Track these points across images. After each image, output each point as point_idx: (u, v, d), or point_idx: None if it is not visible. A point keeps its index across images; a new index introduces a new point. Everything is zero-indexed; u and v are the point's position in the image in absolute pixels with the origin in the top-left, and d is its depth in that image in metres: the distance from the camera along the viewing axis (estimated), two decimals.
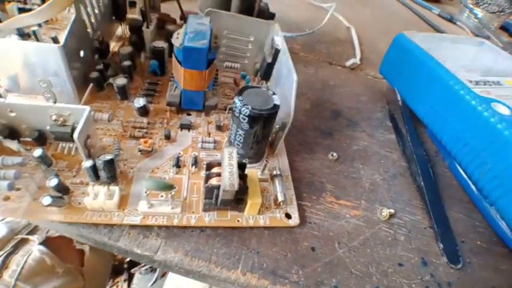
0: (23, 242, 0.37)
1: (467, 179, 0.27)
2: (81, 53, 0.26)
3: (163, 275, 0.77)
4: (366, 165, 0.27)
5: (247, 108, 0.20)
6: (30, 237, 0.37)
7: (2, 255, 0.35)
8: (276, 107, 0.21)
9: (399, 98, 0.33)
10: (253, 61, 0.31)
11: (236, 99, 0.21)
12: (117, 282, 0.74)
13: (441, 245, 0.23)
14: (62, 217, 0.19)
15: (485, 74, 0.30)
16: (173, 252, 0.19)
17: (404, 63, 0.33)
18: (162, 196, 0.21)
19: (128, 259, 0.76)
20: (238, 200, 0.20)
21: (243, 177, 0.20)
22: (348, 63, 0.38)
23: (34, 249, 0.36)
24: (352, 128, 0.30)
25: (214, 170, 0.20)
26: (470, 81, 0.28)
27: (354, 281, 0.20)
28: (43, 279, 0.35)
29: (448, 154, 0.29)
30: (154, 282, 0.75)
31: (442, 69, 0.29)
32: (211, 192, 0.19)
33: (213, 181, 0.19)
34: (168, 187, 0.20)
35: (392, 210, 0.24)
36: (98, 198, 0.20)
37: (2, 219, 0.38)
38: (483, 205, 0.26)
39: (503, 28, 0.58)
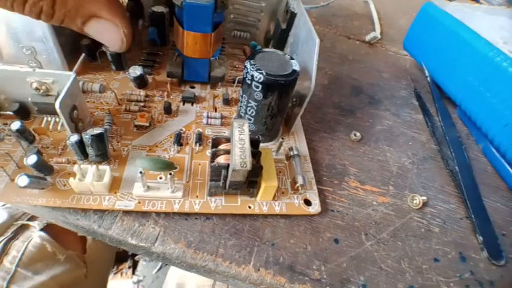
0: (24, 228, 0.35)
1: (506, 164, 0.24)
2: None
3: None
4: (393, 147, 0.24)
5: (261, 73, 0.17)
6: (30, 223, 0.35)
7: (2, 241, 0.33)
8: (295, 73, 0.18)
9: (427, 75, 0.29)
10: (264, 30, 0.28)
11: (247, 64, 0.18)
12: (122, 269, 0.73)
13: (480, 238, 0.20)
14: (43, 201, 0.17)
15: None
16: (173, 243, 0.16)
17: (433, 35, 0.29)
18: (161, 178, 0.18)
19: None
20: (251, 182, 0.17)
21: (256, 155, 0.17)
22: (368, 37, 0.35)
23: (34, 236, 0.34)
24: (375, 106, 0.27)
25: (222, 146, 0.17)
26: None
27: (384, 278, 0.17)
28: (44, 265, 0.34)
29: (483, 136, 0.26)
30: (159, 269, 0.74)
31: (479, 40, 0.25)
32: (218, 172, 0.16)
33: (221, 160, 0.16)
34: (167, 166, 0.17)
35: (425, 198, 0.21)
36: (86, 178, 0.17)
37: (3, 205, 0.36)
38: None
39: None
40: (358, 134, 0.24)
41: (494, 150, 0.25)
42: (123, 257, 0.74)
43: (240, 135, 0.16)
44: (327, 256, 0.17)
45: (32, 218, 0.36)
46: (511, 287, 0.18)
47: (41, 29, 0.21)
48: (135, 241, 0.16)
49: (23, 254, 0.33)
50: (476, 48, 0.25)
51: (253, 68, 0.17)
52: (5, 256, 0.32)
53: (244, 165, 0.15)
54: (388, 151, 0.24)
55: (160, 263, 0.75)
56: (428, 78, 0.29)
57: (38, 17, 0.15)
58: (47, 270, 0.33)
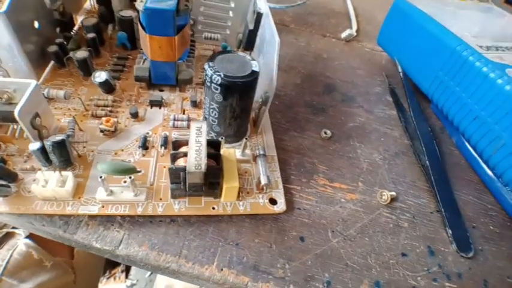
0: (9, 236, 0.35)
1: (478, 157, 0.24)
2: (36, 24, 0.23)
3: None
4: (364, 143, 0.24)
5: (219, 75, 0.17)
6: (16, 230, 0.35)
7: None
8: (254, 74, 0.18)
9: (400, 70, 0.30)
10: (235, 31, 0.28)
11: (206, 66, 0.18)
12: (114, 273, 0.73)
13: (450, 231, 0.20)
14: (7, 208, 0.17)
15: (496, 40, 0.27)
16: (137, 246, 0.16)
17: (405, 30, 0.29)
18: (125, 182, 0.18)
19: None
20: (211, 184, 0.17)
21: (216, 157, 0.17)
22: (343, 34, 0.35)
23: (20, 243, 0.34)
24: (348, 104, 0.27)
25: (183, 149, 0.17)
26: (481, 47, 0.24)
27: (350, 274, 0.17)
28: (30, 273, 0.33)
29: (455, 130, 0.26)
30: (152, 272, 0.74)
31: (447, 34, 0.25)
32: (177, 175, 0.16)
33: (180, 162, 0.16)
34: (128, 170, 0.17)
35: (393, 193, 0.21)
36: (48, 185, 0.17)
37: None
38: (495, 186, 0.23)
39: (508, 2, 0.54)
40: (328, 131, 0.24)
41: (466, 144, 0.25)
42: (115, 262, 0.74)
43: (197, 137, 0.16)
44: (291, 254, 0.17)
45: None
46: (479, 278, 0.19)
47: (5, 37, 0.21)
48: (99, 245, 0.16)
49: (7, 262, 0.32)
50: (444, 42, 0.25)
51: (211, 70, 0.17)
52: None
53: (199, 167, 0.15)
54: (359, 148, 0.24)
55: None
56: (401, 74, 0.29)
57: None
58: (34, 277, 0.33)
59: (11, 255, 0.33)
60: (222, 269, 0.16)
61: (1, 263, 0.32)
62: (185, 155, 0.16)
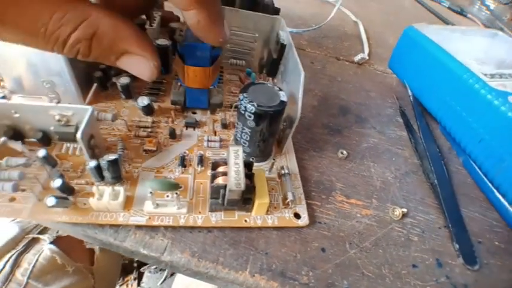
0: (34, 241, 0.37)
1: (483, 177, 0.26)
2: None
3: (172, 274, 0.77)
4: (377, 163, 0.26)
5: (253, 105, 0.20)
6: (41, 236, 0.37)
7: (14, 253, 0.35)
8: (282, 104, 0.20)
9: (410, 93, 0.32)
10: (258, 57, 0.31)
11: (241, 96, 0.20)
12: (127, 280, 0.75)
13: (457, 246, 0.22)
14: (67, 218, 0.19)
15: (500, 67, 0.29)
16: (180, 253, 0.18)
17: (414, 56, 0.32)
18: (168, 196, 0.20)
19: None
20: (246, 199, 0.19)
21: (250, 176, 0.19)
22: (356, 58, 0.37)
23: (45, 248, 0.36)
24: (362, 125, 0.30)
25: (220, 169, 0.20)
26: (485, 75, 0.26)
27: (366, 282, 0.19)
28: (54, 277, 0.35)
29: (463, 151, 0.28)
30: (164, 281, 0.76)
31: (454, 62, 0.28)
32: (217, 192, 0.19)
33: (219, 180, 0.19)
34: (173, 186, 0.19)
35: (405, 210, 0.23)
36: (103, 198, 0.19)
37: (14, 220, 0.38)
38: (500, 204, 0.25)
39: None
40: (344, 152, 0.26)
41: (472, 163, 0.27)
42: (128, 269, 0.76)
43: (235, 159, 0.18)
44: (314, 263, 0.19)
45: (42, 232, 0.38)
46: None
47: (58, 64, 0.24)
48: (146, 251, 0.18)
49: (34, 266, 0.34)
50: (451, 70, 0.28)
51: (246, 100, 0.20)
52: (17, 268, 0.34)
53: (239, 186, 0.17)
54: (372, 167, 0.26)
55: (165, 275, 0.77)
56: (411, 97, 0.31)
57: (75, 56, 0.16)
58: (57, 282, 0.35)
59: (36, 260, 0.35)
60: (254, 275, 0.18)
61: (28, 266, 0.34)
62: (223, 174, 0.19)
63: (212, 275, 0.18)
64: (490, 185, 0.26)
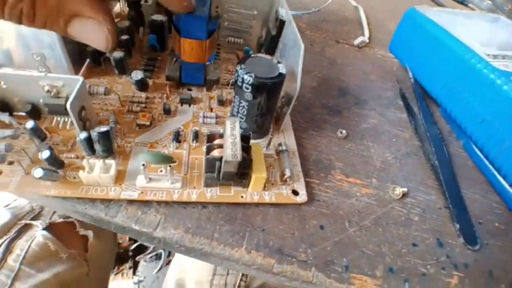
0: (27, 227, 0.36)
1: (484, 159, 0.26)
2: None
3: (168, 263, 0.77)
4: (377, 143, 0.26)
5: (251, 76, 0.19)
6: (33, 222, 0.36)
7: (6, 240, 0.34)
8: (281, 76, 0.20)
9: (411, 76, 0.31)
10: (257, 36, 0.30)
11: (238, 68, 0.19)
12: (122, 269, 0.75)
13: (457, 226, 0.22)
14: (55, 192, 0.18)
15: (503, 49, 0.28)
16: (173, 229, 0.18)
17: (416, 39, 0.31)
18: (161, 171, 0.20)
19: (133, 247, 0.76)
20: (242, 174, 0.18)
21: (246, 149, 0.18)
22: (356, 41, 0.37)
23: (37, 235, 0.35)
24: (361, 106, 0.29)
25: (216, 141, 0.19)
26: (488, 55, 0.26)
27: (365, 260, 0.19)
28: (47, 264, 0.34)
29: (463, 133, 0.27)
30: (159, 270, 0.75)
31: (456, 43, 0.27)
32: (212, 164, 0.18)
33: (215, 153, 0.18)
34: (166, 159, 0.19)
35: (405, 189, 0.23)
36: (94, 171, 0.18)
37: (6, 205, 0.37)
38: (501, 186, 0.24)
39: None
40: (344, 131, 0.25)
41: (473, 146, 0.27)
42: (124, 258, 0.76)
43: (232, 131, 0.18)
44: (312, 241, 0.19)
45: (35, 218, 0.37)
46: (484, 269, 0.20)
47: (49, 36, 0.23)
48: (138, 227, 0.17)
49: (26, 252, 0.33)
50: (453, 51, 0.27)
51: (243, 71, 0.19)
52: (9, 255, 0.33)
53: (235, 157, 0.16)
54: (372, 147, 0.25)
55: (160, 264, 0.76)
56: (412, 80, 0.31)
57: (20, 21, 0.14)
58: (50, 268, 0.34)
59: (29, 246, 0.34)
60: (250, 252, 0.17)
61: (20, 253, 0.33)
62: (219, 146, 0.18)
63: (207, 251, 0.17)
64: (490, 167, 0.25)
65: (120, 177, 0.19)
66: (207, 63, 0.25)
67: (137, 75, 0.24)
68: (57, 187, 0.18)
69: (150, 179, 0.19)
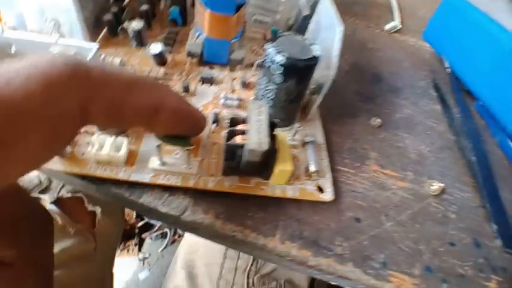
0: None
1: None
2: None
3: (173, 241, 0.77)
4: (412, 134, 0.24)
5: (283, 55, 0.17)
6: (41, 196, 0.35)
7: None
8: (315, 59, 0.18)
9: (447, 66, 0.29)
10: (286, 16, 0.27)
11: (269, 46, 0.18)
12: (128, 246, 0.75)
13: (495, 227, 0.20)
14: (61, 167, 0.17)
15: None
16: (203, 214, 0.16)
17: (455, 26, 0.29)
18: (177, 154, 0.18)
19: (140, 224, 0.76)
20: (265, 164, 0.16)
21: (272, 138, 0.16)
22: (388, 26, 0.34)
23: None
24: (395, 95, 0.27)
25: (239, 126, 0.17)
26: None
27: (403, 258, 0.18)
28: (55, 238, 0.33)
29: (500, 130, 0.26)
30: (165, 248, 0.75)
31: (503, 33, 0.25)
32: (233, 152, 0.16)
33: (237, 139, 0.16)
34: (183, 142, 0.17)
35: (443, 185, 0.21)
36: (103, 149, 0.17)
37: None
38: None
39: None
40: (378, 120, 0.24)
41: (511, 144, 0.25)
42: (130, 235, 0.76)
43: (258, 115, 0.16)
44: (349, 233, 0.17)
45: (43, 191, 0.36)
46: None
47: (65, 1, 0.21)
48: (165, 210, 0.16)
49: None
50: (499, 41, 0.25)
51: (274, 50, 0.17)
52: None
53: (260, 146, 0.14)
54: (407, 138, 0.24)
55: (165, 242, 0.76)
56: (448, 70, 0.29)
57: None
58: (58, 242, 0.33)
59: None
60: (284, 242, 0.16)
61: None
62: (242, 132, 0.16)
63: (239, 239, 0.16)
64: None
65: (131, 157, 0.17)
66: (232, 40, 0.23)
67: (156, 48, 0.22)
68: (64, 163, 0.17)
69: (164, 161, 0.17)
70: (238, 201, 0.17)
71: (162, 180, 0.17)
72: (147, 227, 0.77)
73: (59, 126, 0.10)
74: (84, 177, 0.17)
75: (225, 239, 0.16)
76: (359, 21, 0.35)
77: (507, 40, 0.25)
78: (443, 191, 0.21)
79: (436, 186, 0.21)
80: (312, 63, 0.18)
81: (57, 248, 0.32)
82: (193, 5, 0.28)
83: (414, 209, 0.20)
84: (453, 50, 0.30)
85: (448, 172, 0.23)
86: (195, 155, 0.18)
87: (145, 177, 0.17)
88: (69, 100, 0.10)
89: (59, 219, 0.34)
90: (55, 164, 0.17)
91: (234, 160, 0.16)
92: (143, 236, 0.76)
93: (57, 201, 0.35)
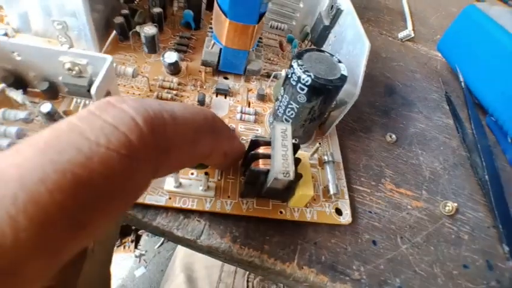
0: None
1: None
2: None
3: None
4: (425, 151, 0.24)
5: (309, 76, 0.16)
6: None
7: None
8: (343, 79, 0.17)
9: (461, 79, 0.29)
10: (301, 23, 0.27)
11: (295, 64, 0.17)
12: (125, 242, 0.75)
13: (507, 248, 0.20)
14: None
15: None
16: (219, 238, 0.16)
17: (473, 40, 0.28)
18: (192, 174, 0.17)
19: None
20: (287, 189, 0.16)
21: (296, 162, 0.16)
22: (401, 34, 0.34)
23: None
24: (409, 108, 0.27)
25: (261, 150, 0.16)
26: None
27: (418, 282, 0.17)
28: None
29: (511, 146, 0.26)
30: (161, 244, 0.75)
31: None
32: (256, 177, 0.15)
33: (259, 164, 0.15)
34: (202, 164, 0.16)
35: (456, 205, 0.21)
36: None
37: None
38: None
39: None
40: (393, 136, 0.24)
41: None
42: (126, 231, 0.75)
43: (283, 140, 0.15)
44: (365, 257, 0.17)
45: None
46: None
47: (74, 2, 0.20)
48: (180, 233, 0.16)
49: None
50: None
51: (300, 69, 0.16)
52: None
53: (287, 175, 0.14)
54: (421, 155, 0.24)
55: (162, 239, 0.76)
56: (463, 84, 0.29)
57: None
58: None
59: None
60: (302, 267, 0.16)
61: None
62: (265, 156, 0.15)
63: (257, 264, 0.16)
64: None
65: None
66: (250, 50, 0.22)
67: (171, 57, 0.21)
68: None
69: (180, 183, 0.16)
70: (254, 224, 0.17)
71: (177, 204, 0.16)
72: None
73: (133, 195, 0.10)
74: None
75: (242, 263, 0.16)
76: (372, 27, 0.35)
77: None
78: (457, 210, 0.21)
79: (450, 206, 0.21)
80: (340, 84, 0.17)
81: None
82: (208, 8, 0.27)
83: (429, 230, 0.20)
84: (468, 63, 0.29)
85: (461, 191, 0.23)
86: (211, 175, 0.18)
87: (161, 200, 0.16)
88: (147, 171, 0.10)
89: None
90: None
91: (255, 185, 0.16)
92: (140, 232, 0.76)
93: None
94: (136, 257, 0.74)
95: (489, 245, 0.20)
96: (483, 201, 0.23)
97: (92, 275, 0.37)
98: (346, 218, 0.18)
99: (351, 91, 0.18)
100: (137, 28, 0.23)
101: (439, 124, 0.27)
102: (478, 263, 0.19)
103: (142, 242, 0.76)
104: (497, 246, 0.21)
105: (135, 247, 0.75)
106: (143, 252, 0.75)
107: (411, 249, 0.18)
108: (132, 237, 0.75)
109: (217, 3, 0.20)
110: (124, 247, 0.74)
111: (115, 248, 0.73)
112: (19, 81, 0.19)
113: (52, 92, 0.19)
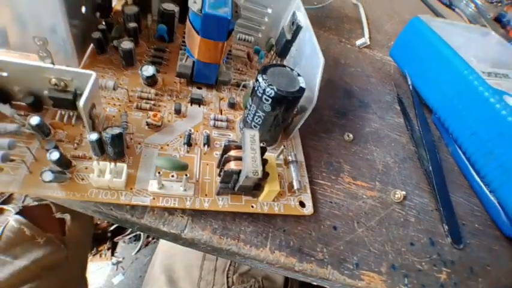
0: None
1: (469, 166, 0.28)
2: (83, 9, 0.23)
3: (147, 244, 0.77)
4: (379, 147, 0.28)
5: (272, 89, 0.19)
6: (5, 207, 0.34)
7: None
8: (302, 91, 0.20)
9: (410, 83, 0.33)
10: (266, 35, 0.29)
11: (260, 78, 0.19)
12: (101, 250, 0.74)
13: (446, 227, 0.24)
14: (63, 194, 0.17)
15: (494, 66, 0.31)
16: (201, 230, 0.18)
17: (418, 48, 0.32)
18: (172, 176, 0.19)
19: (112, 228, 0.75)
20: (257, 186, 0.18)
21: (263, 163, 0.18)
22: (358, 42, 0.37)
23: (11, 220, 0.33)
24: (365, 110, 0.30)
25: (232, 153, 0.18)
26: (483, 72, 0.28)
27: (372, 258, 0.21)
28: (23, 249, 0.32)
29: (452, 141, 0.30)
30: (138, 251, 0.75)
31: (457, 58, 0.29)
32: (229, 177, 0.18)
33: (231, 165, 0.18)
34: (183, 167, 0.18)
35: (404, 193, 0.25)
36: (105, 175, 0.17)
37: None
38: (482, 191, 0.27)
39: (496, 19, 0.59)
40: (351, 135, 0.27)
41: (461, 154, 0.29)
42: (102, 239, 0.74)
43: (252, 144, 0.17)
44: (327, 240, 0.20)
45: (6, 202, 0.34)
46: (467, 265, 0.23)
47: (52, 19, 0.20)
48: (166, 228, 0.17)
49: None
50: (454, 65, 0.29)
51: (265, 82, 0.19)
52: None
53: (256, 174, 0.16)
54: (375, 151, 0.27)
55: (139, 245, 0.76)
56: (411, 87, 0.33)
57: None
58: (27, 254, 0.32)
59: (1, 232, 0.32)
60: (274, 252, 0.18)
61: None
62: (236, 158, 0.18)
63: (234, 251, 0.18)
64: (475, 174, 0.28)
65: (130, 181, 0.18)
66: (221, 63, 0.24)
67: (148, 70, 0.23)
68: (64, 189, 0.17)
69: (162, 185, 0.18)
70: (231, 217, 0.19)
71: (161, 203, 0.18)
72: (120, 231, 0.75)
73: None
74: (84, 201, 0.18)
75: (220, 251, 0.18)
76: (332, 36, 0.38)
77: (460, 66, 0.28)
78: (405, 198, 0.25)
79: (399, 194, 0.24)
80: (298, 95, 0.20)
81: (27, 259, 0.31)
82: (180, 21, 0.28)
83: (381, 215, 0.23)
84: (415, 68, 0.33)
85: (409, 181, 0.26)
86: (190, 176, 0.19)
87: (146, 201, 0.18)
88: None
89: (26, 230, 0.32)
90: (55, 191, 0.17)
91: (229, 183, 0.18)
92: (116, 239, 0.75)
93: (23, 211, 0.33)
94: (113, 264, 0.73)
95: (432, 225, 0.24)
96: (428, 188, 0.26)
97: (68, 283, 0.37)
98: (308, 210, 0.21)
99: (311, 98, 0.21)
100: (114, 43, 0.24)
101: (391, 123, 0.30)
102: (423, 241, 0.23)
103: (119, 249, 0.75)
104: (439, 225, 0.24)
105: (112, 254, 0.74)
106: (120, 260, 0.74)
107: (366, 231, 0.22)
108: (108, 244, 0.74)
109: (190, 21, 0.22)
110: (100, 255, 0.73)
111: (91, 256, 0.72)
112: (3, 95, 0.19)
113: (37, 105, 0.20)
